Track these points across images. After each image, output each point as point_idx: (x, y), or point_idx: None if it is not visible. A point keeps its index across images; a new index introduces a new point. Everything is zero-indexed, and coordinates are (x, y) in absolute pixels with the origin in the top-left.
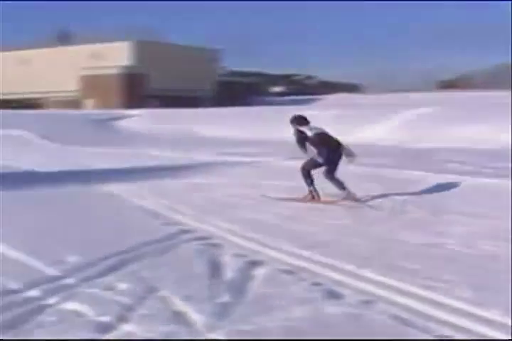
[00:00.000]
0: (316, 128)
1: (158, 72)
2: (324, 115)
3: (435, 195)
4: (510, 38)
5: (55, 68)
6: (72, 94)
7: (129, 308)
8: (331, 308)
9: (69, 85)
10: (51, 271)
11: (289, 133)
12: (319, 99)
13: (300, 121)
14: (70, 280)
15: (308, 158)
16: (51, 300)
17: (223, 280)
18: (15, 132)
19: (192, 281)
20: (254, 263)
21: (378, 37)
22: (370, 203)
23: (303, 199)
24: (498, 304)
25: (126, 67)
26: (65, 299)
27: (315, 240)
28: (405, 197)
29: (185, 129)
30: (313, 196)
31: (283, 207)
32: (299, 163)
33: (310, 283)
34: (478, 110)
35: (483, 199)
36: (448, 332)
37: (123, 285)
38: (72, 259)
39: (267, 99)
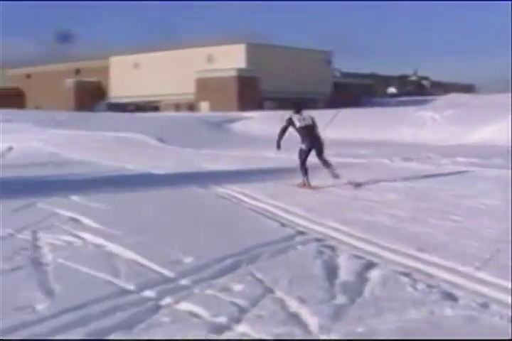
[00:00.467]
0: (305, 119)
1: (271, 74)
2: (439, 116)
3: None
4: None
5: (170, 71)
6: (187, 96)
7: (244, 309)
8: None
9: (184, 88)
10: (166, 272)
11: (402, 134)
12: (433, 100)
13: (297, 107)
14: (185, 281)
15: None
16: (166, 301)
17: (339, 282)
18: (132, 135)
19: (307, 283)
20: (370, 265)
21: (491, 37)
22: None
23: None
24: None
25: (240, 70)
26: (180, 300)
27: (429, 241)
28: None
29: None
30: (305, 184)
31: (397, 209)
32: (412, 164)
33: (425, 285)
34: None
35: None
36: None
37: (238, 287)
38: (188, 260)
39: (381, 100)
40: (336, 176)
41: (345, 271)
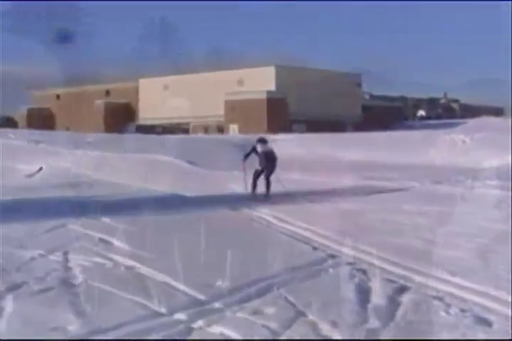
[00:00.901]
0: (266, 147)
1: (300, 96)
2: (469, 139)
3: None
4: None
5: (199, 93)
6: (216, 119)
7: (276, 332)
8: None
9: (213, 110)
10: (198, 295)
11: (432, 157)
12: (463, 123)
13: (260, 140)
14: (216, 304)
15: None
16: (198, 324)
17: (371, 306)
18: (161, 157)
19: (340, 306)
20: (402, 289)
21: None
22: None
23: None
24: None
25: (269, 92)
26: (212, 323)
27: (461, 265)
28: None
29: (330, 153)
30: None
31: (427, 232)
32: (442, 187)
33: (458, 309)
34: None
35: None
36: None
37: (270, 310)
38: (219, 283)
39: (411, 123)
40: (268, 199)
41: (378, 295)
